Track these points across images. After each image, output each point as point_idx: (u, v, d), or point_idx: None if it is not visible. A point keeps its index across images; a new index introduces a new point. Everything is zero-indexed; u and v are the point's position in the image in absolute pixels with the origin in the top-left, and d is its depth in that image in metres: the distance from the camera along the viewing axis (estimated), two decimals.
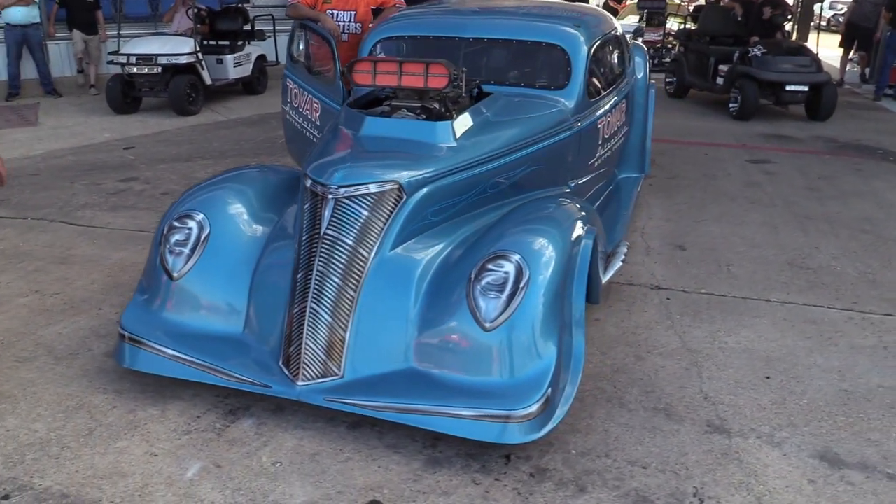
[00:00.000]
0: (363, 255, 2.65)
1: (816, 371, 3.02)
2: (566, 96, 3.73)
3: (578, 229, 2.79)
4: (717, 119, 8.37)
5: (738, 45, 8.84)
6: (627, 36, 5.28)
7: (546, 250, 2.60)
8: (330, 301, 2.61)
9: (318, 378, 2.56)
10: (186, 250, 2.89)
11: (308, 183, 2.79)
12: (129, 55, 8.13)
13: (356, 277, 2.64)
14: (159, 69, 8.11)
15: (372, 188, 2.69)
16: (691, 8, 12.68)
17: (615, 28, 4.58)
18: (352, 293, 2.63)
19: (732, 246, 4.36)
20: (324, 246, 2.65)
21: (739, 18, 9.46)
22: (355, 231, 2.66)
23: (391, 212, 2.71)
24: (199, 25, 8.75)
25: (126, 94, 8.31)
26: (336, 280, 2.63)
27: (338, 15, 4.82)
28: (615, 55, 4.47)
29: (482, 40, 3.98)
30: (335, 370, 2.58)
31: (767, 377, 2.97)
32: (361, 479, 2.36)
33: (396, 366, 2.60)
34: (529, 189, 3.42)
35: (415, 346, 2.60)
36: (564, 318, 2.59)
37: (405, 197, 2.73)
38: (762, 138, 7.37)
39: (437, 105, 3.16)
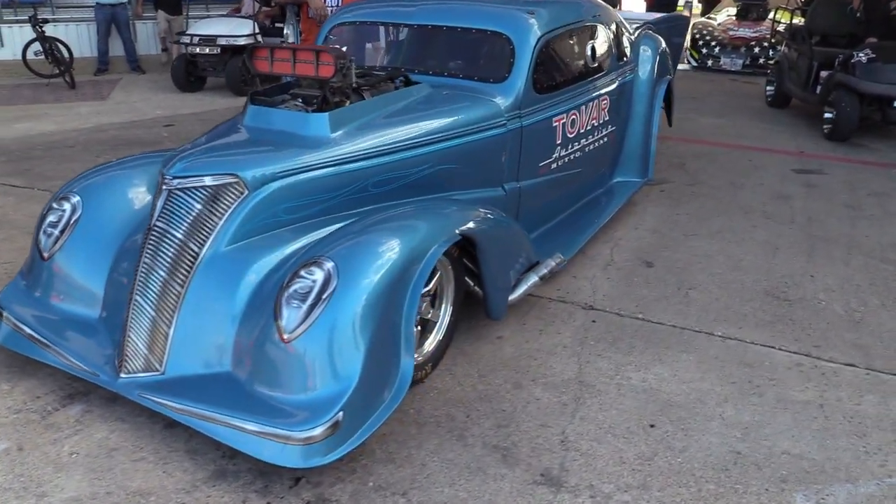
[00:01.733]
0: (193, 250, 2.53)
1: (716, 425, 2.57)
2: (503, 90, 3.41)
3: (427, 238, 2.52)
4: (797, 128, 7.48)
5: (853, 46, 6.95)
6: (632, 25, 4.78)
7: (367, 259, 2.36)
8: (154, 295, 2.52)
9: (140, 372, 2.49)
10: (56, 231, 2.91)
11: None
12: (192, 35, 8.50)
13: (184, 272, 2.53)
14: (218, 49, 8.42)
15: (207, 181, 2.56)
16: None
17: (598, 14, 4.14)
18: (178, 288, 2.52)
19: (710, 266, 3.84)
20: (152, 238, 2.56)
21: (858, 14, 7.79)
22: (186, 224, 2.54)
23: (228, 207, 2.57)
24: (265, 7, 8.98)
25: (190, 74, 8.71)
26: (162, 273, 2.53)
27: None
28: (597, 45, 4.04)
29: (427, 27, 3.72)
30: (156, 366, 2.49)
31: (652, 425, 2.56)
32: (139, 482, 2.26)
33: (214, 368, 2.47)
34: (440, 189, 3.15)
35: (233, 350, 2.46)
36: (387, 335, 2.35)
37: (247, 192, 2.57)
38: (829, 146, 6.49)
39: (329, 95, 2.98)
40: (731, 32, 10.75)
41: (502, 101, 3.37)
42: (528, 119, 3.48)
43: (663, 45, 5.02)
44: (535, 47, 3.47)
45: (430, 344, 2.83)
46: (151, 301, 2.52)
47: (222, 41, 8.39)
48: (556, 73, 3.70)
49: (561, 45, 3.74)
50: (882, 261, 3.96)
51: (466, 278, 2.91)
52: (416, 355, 2.73)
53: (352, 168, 2.82)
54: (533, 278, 3.16)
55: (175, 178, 2.57)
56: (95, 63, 9.90)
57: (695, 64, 10.58)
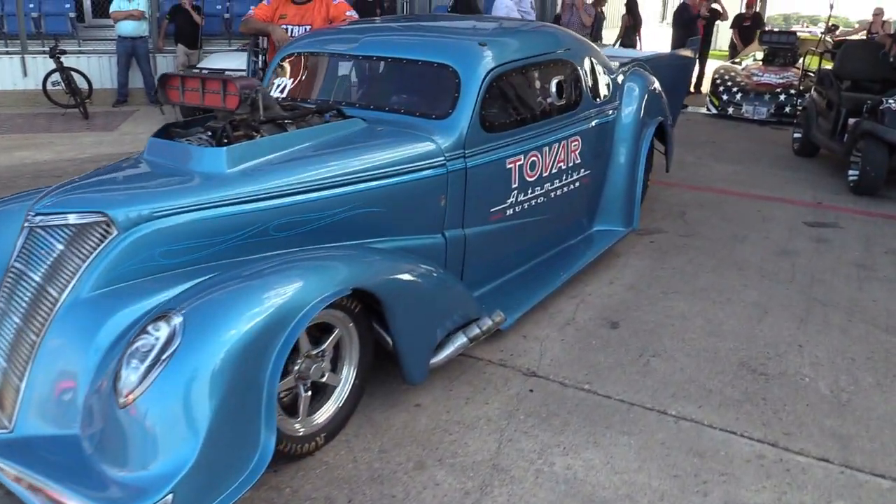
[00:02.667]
0: (51, 296, 2.26)
1: None
2: (445, 128, 3.10)
3: (302, 294, 2.19)
4: (820, 178, 6.95)
5: (886, 93, 6.20)
6: (615, 62, 4.43)
7: (222, 316, 2.05)
8: (7, 343, 2.26)
9: None
10: None
11: None
12: (202, 69, 8.50)
13: (40, 320, 2.26)
14: None
15: (71, 219, 2.30)
16: (830, 42, 10.60)
17: (570, 48, 3.81)
18: (33, 337, 2.24)
19: (684, 330, 3.40)
20: (7, 280, 2.31)
21: (892, 59, 7.18)
22: (45, 266, 2.28)
23: (94, 248, 2.30)
24: None
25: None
26: (16, 320, 2.26)
27: (293, 30, 4.54)
28: (566, 81, 3.70)
29: (371, 58, 3.46)
30: (4, 422, 2.21)
31: None
32: None
33: (64, 429, 2.17)
34: (365, 235, 2.84)
35: (82, 411, 2.17)
36: (241, 406, 2.02)
37: (116, 232, 2.30)
38: (851, 197, 5.94)
39: (228, 128, 2.72)
40: (755, 78, 9.82)
41: (442, 140, 3.06)
42: (475, 160, 3.15)
43: (655, 84, 4.65)
44: (483, 81, 3.16)
45: (324, 413, 2.49)
46: (3, 350, 2.26)
47: (229, 74, 8.36)
48: (511, 111, 3.38)
49: (518, 80, 3.42)
50: (887, 330, 3.46)
51: (386, 335, 2.58)
52: (302, 426, 2.41)
53: (249, 209, 2.53)
54: (461, 339, 2.80)
55: (38, 214, 2.32)
56: (115, 94, 10.02)
57: (714, 111, 9.83)
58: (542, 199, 3.61)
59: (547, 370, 3.01)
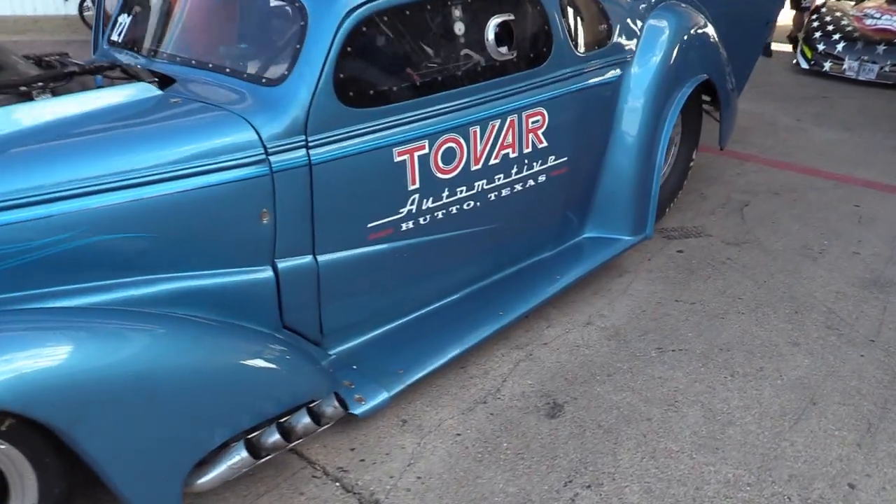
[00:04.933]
0: None
1: None
2: (275, 101, 1.95)
3: None
4: None
5: None
6: None
7: None
8: None
9: None
10: None
11: None
12: None
13: None
14: None
15: None
16: None
17: None
18: None
19: (659, 433, 2.13)
20: None
21: None
22: None
23: None
24: None
25: None
26: None
27: None
28: (512, 23, 2.38)
29: None
30: None
31: None
32: None
33: None
34: (115, 274, 1.80)
35: None
36: None
37: None
38: None
39: None
40: (870, 22, 6.97)
41: (266, 120, 1.91)
42: (327, 150, 1.98)
43: (698, 25, 3.18)
44: (341, 25, 1.95)
45: None
46: None
47: None
48: (400, 72, 2.15)
49: (415, 22, 2.15)
50: None
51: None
52: None
53: None
54: (236, 456, 1.75)
55: None
56: None
57: (805, 65, 7.06)
58: (471, 204, 2.40)
59: (403, 500, 1.90)
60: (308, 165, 1.97)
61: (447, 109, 2.23)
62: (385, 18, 2.06)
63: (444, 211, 2.33)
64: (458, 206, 2.37)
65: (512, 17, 2.34)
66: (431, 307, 2.47)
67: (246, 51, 2.18)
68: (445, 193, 2.32)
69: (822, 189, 4.10)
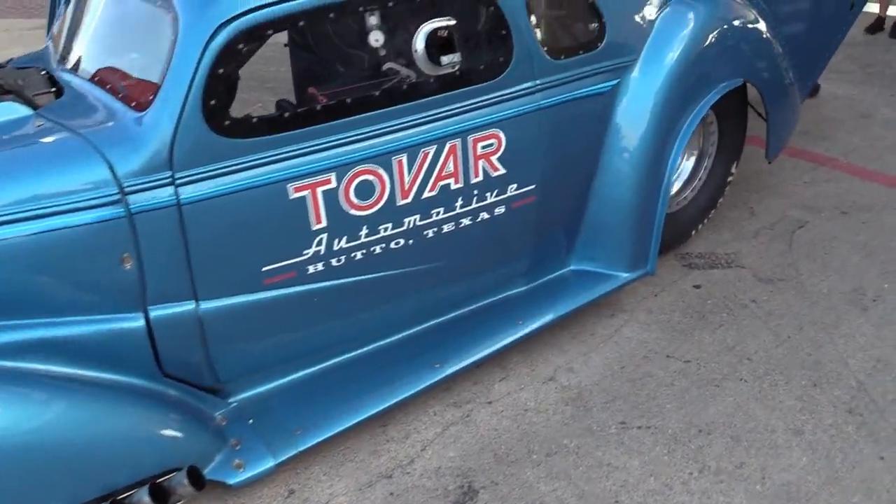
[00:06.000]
0: None
1: None
2: (141, 130, 1.69)
3: None
4: None
5: None
6: None
7: None
8: None
9: None
10: None
11: None
12: None
13: None
14: None
15: None
16: None
17: None
18: None
19: None
20: None
21: None
22: None
23: None
24: None
25: None
26: None
27: None
28: (452, 30, 1.94)
29: None
30: None
31: None
32: None
33: None
34: None
35: None
36: None
37: None
38: None
39: None
40: None
41: (124, 154, 1.66)
42: (200, 187, 1.71)
43: (737, 14, 2.59)
44: (208, 44, 1.63)
45: None
46: None
47: None
48: (296, 94, 1.82)
49: (315, 34, 1.81)
50: None
51: None
52: None
53: None
54: None
55: None
56: None
57: None
58: (401, 242, 2.05)
59: None
60: (177, 205, 1.71)
61: (359, 137, 1.88)
62: (272, 31, 1.72)
63: (363, 251, 2.01)
64: (382, 246, 2.04)
65: (452, 23, 1.93)
66: (355, 353, 2.18)
67: (129, 65, 1.91)
68: (364, 232, 1.99)
69: None
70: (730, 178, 3.04)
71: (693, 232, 3.01)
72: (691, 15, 2.45)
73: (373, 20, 1.84)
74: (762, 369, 2.36)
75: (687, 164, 2.92)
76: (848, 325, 2.57)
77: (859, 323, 2.58)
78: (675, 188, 2.90)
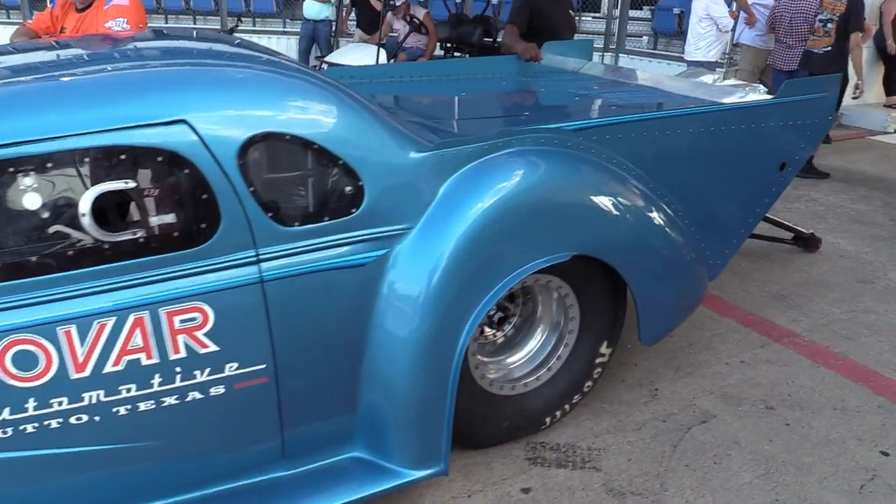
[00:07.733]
0: None
1: None
2: None
3: None
4: None
5: None
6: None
7: None
8: None
9: None
10: None
11: None
12: (322, 62, 7.65)
13: None
14: None
15: None
16: None
17: (190, 109, 1.78)
18: None
19: None
20: None
21: None
22: None
23: None
24: (415, 33, 7.64)
25: None
26: None
27: None
28: (134, 192, 1.74)
29: None
30: None
31: None
32: None
33: None
34: None
35: None
36: None
37: None
38: None
39: None
40: None
41: None
42: None
43: (567, 179, 2.22)
44: None
45: None
46: None
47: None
48: None
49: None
50: None
51: None
52: None
53: None
54: None
55: None
56: None
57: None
58: (83, 418, 1.80)
59: None
60: None
61: (15, 304, 1.71)
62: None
63: (34, 424, 1.80)
64: (59, 420, 1.81)
65: (129, 185, 1.75)
66: None
67: None
68: (32, 405, 1.78)
69: (852, 412, 2.73)
70: (600, 360, 2.58)
71: (548, 419, 2.55)
72: (495, 177, 2.14)
73: (26, 181, 1.70)
74: None
75: (533, 342, 2.51)
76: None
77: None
78: (517, 366, 2.50)
